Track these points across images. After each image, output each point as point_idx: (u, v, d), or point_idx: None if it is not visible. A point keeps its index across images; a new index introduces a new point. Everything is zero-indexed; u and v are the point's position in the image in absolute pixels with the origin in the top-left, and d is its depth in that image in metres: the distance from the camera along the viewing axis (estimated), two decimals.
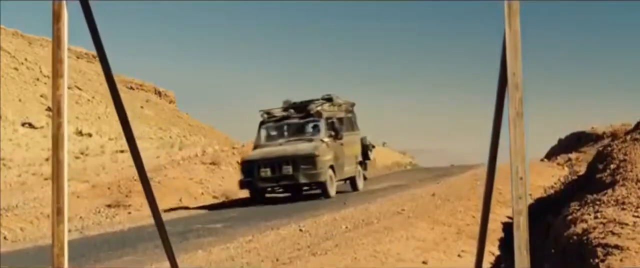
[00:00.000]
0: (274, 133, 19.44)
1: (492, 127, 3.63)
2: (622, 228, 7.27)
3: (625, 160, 11.15)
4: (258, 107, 21.43)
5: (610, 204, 8.76)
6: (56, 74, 3.53)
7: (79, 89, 56.96)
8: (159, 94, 70.64)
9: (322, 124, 18.80)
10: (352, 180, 20.12)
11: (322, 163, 17.63)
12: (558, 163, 32.25)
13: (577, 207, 9.63)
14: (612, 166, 11.17)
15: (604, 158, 12.23)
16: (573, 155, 33.70)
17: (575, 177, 19.61)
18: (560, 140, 43.84)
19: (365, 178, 21.15)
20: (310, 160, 17.47)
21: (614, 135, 35.46)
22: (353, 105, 21.42)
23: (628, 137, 13.83)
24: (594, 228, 7.61)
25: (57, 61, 3.52)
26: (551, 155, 40.48)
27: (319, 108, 19.18)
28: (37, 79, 54.85)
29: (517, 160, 3.21)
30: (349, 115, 20.90)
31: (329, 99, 20.04)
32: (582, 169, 25.05)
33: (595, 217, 8.09)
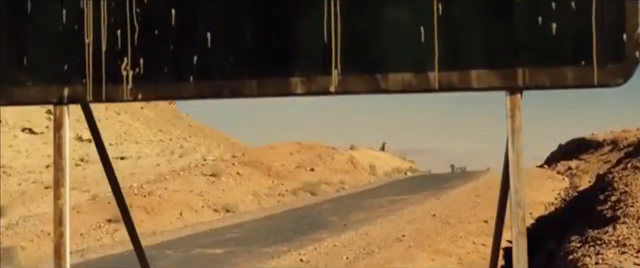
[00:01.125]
0: None
1: (494, 237, 3.64)
2: None
3: (626, 192, 11.15)
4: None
5: (611, 245, 8.76)
6: (57, 183, 3.53)
7: None
8: None
9: None
10: None
11: None
12: (558, 172, 32.30)
13: (578, 244, 9.63)
14: (613, 198, 11.18)
15: (605, 188, 12.23)
16: (573, 163, 33.76)
17: (575, 193, 19.61)
18: (560, 146, 43.91)
19: None
20: None
21: (614, 143, 35.52)
22: None
23: (629, 164, 13.83)
24: None
25: (58, 170, 3.51)
26: (551, 161, 40.55)
27: None
28: None
29: None
30: None
31: None
32: (582, 181, 25.07)
33: (596, 263, 8.09)
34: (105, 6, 3.36)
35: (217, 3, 3.29)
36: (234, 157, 29.86)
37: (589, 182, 21.91)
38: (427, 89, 3.19)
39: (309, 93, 3.29)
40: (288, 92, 3.28)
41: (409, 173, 38.09)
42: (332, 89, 3.21)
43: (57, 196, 3.54)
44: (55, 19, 3.38)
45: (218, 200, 22.62)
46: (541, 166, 38.30)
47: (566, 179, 27.64)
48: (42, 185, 29.25)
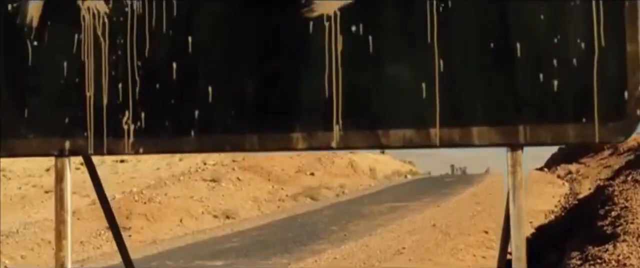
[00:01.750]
0: None
1: None
2: None
3: (626, 207, 11.15)
4: None
5: (612, 265, 8.77)
6: (59, 235, 3.52)
7: None
8: None
9: None
10: None
11: None
12: (558, 176, 32.29)
13: (578, 262, 9.63)
14: (613, 213, 11.18)
15: (605, 202, 12.24)
16: (573, 167, 33.71)
17: (575, 201, 19.60)
18: (560, 148, 43.82)
19: None
20: None
21: (614, 146, 35.47)
22: None
23: (629, 177, 13.84)
24: None
25: (60, 222, 3.51)
26: (551, 163, 40.47)
27: None
28: None
29: None
30: None
31: None
32: (582, 187, 25.05)
33: None
34: (106, 59, 3.34)
35: (218, 57, 3.27)
36: (234, 161, 29.83)
37: (589, 189, 21.91)
38: (428, 145, 3.18)
39: (310, 148, 3.27)
40: (289, 147, 3.27)
41: (409, 176, 38.11)
42: (333, 144, 3.19)
43: (59, 248, 3.54)
44: (57, 71, 3.37)
45: (218, 206, 22.61)
46: (541, 169, 38.27)
47: (566, 184, 27.62)
48: (42, 190, 29.19)
